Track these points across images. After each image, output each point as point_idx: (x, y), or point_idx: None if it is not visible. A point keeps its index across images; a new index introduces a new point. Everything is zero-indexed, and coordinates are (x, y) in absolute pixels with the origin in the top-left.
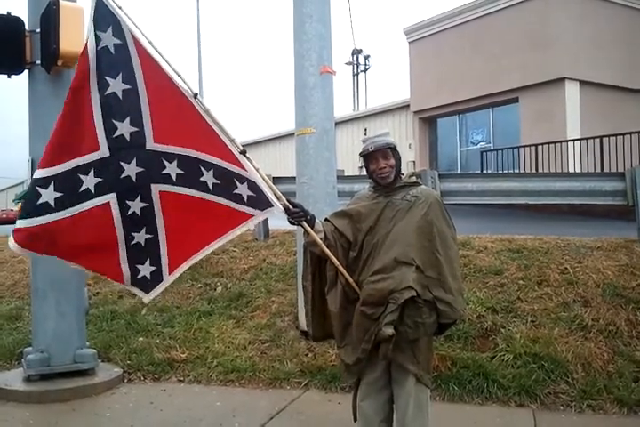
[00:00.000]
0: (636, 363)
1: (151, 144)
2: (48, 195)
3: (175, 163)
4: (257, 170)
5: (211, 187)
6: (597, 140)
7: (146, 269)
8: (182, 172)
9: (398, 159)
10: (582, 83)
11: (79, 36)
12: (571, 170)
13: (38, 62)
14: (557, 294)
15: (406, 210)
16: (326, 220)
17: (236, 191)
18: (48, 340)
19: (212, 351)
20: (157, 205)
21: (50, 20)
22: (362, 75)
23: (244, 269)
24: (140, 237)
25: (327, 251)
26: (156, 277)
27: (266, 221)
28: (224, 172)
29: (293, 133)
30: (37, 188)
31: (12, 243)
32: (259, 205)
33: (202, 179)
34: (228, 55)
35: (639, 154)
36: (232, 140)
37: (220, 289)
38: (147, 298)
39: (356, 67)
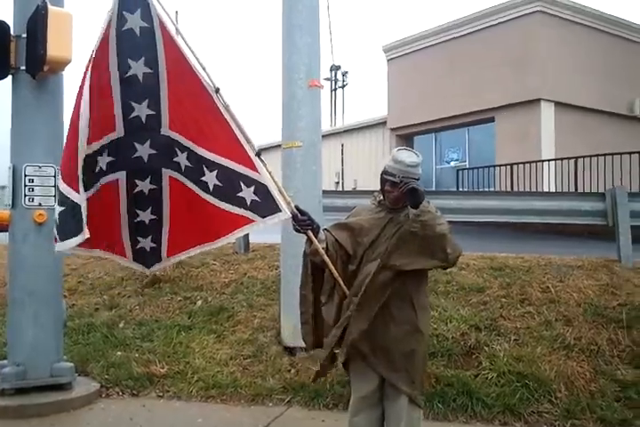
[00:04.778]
0: (617, 382)
1: (166, 130)
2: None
3: (185, 155)
4: (269, 173)
5: (211, 188)
6: (572, 161)
7: (146, 243)
8: (190, 165)
9: None
10: (557, 104)
11: (67, 42)
12: (545, 189)
13: (23, 68)
14: (539, 313)
15: None
16: (326, 230)
17: (239, 194)
18: (25, 352)
19: (192, 366)
20: (166, 189)
21: (37, 24)
22: (339, 91)
23: (225, 282)
24: (145, 216)
25: (328, 261)
26: (155, 253)
27: (246, 235)
28: (230, 173)
29: (277, 146)
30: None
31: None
32: (261, 212)
33: (202, 178)
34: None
35: (612, 175)
36: (248, 140)
37: (199, 303)
38: (148, 271)
39: (334, 83)
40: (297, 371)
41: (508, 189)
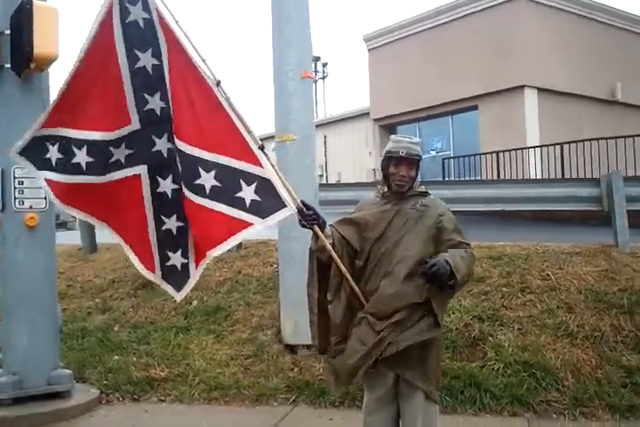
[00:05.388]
0: (623, 368)
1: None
2: (81, 157)
3: (178, 159)
4: (273, 167)
5: (207, 190)
6: (558, 147)
7: (177, 259)
8: (181, 168)
9: (418, 171)
10: (540, 90)
11: (53, 39)
12: (532, 176)
13: (8, 66)
14: (541, 301)
15: (416, 219)
16: (331, 226)
17: (238, 195)
18: (20, 361)
19: (192, 368)
20: None
21: (22, 20)
22: (320, 82)
23: (219, 281)
24: (171, 223)
25: (336, 257)
26: (186, 271)
27: None
28: (230, 172)
29: (269, 137)
30: (73, 147)
31: (51, 196)
32: (260, 213)
33: (197, 182)
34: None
35: (599, 160)
36: (250, 133)
37: (195, 303)
38: (178, 297)
39: (314, 74)
40: (300, 369)
41: (494, 177)
